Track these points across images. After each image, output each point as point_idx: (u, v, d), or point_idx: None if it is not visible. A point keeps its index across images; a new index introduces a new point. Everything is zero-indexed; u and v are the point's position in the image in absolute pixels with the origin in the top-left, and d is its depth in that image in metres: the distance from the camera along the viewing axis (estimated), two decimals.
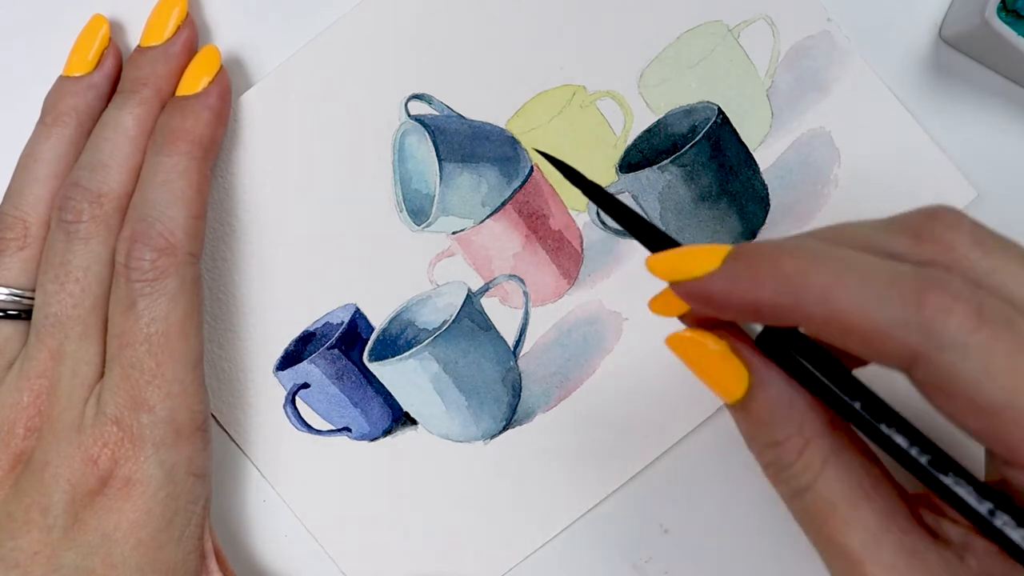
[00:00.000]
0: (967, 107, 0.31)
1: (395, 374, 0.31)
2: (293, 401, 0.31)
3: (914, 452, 0.20)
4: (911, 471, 0.20)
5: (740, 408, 0.21)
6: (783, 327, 0.20)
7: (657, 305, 0.22)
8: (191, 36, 0.30)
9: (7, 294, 0.28)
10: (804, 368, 0.21)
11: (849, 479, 0.20)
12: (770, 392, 0.21)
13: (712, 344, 0.21)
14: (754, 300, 0.20)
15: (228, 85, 0.29)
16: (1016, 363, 0.18)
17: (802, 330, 0.21)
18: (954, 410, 0.19)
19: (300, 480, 0.31)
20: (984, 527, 0.19)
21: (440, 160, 0.30)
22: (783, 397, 0.21)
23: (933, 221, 0.20)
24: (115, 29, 0.31)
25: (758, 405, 0.21)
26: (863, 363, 0.22)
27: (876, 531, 0.20)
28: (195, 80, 0.29)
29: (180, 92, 0.29)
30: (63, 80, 0.29)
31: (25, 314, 0.28)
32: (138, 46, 0.30)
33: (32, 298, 0.28)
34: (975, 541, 0.20)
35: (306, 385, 0.31)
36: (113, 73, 0.30)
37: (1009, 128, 0.31)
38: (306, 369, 0.31)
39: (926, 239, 0.20)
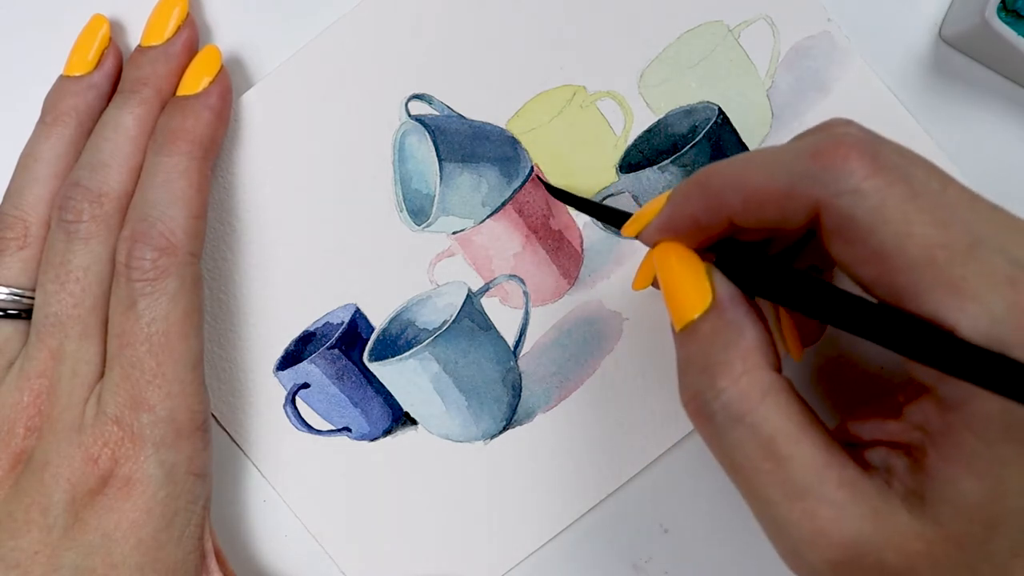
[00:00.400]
0: (967, 107, 0.31)
1: (395, 374, 0.31)
2: (293, 401, 0.31)
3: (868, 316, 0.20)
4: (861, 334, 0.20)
5: (690, 330, 0.22)
6: (722, 237, 0.23)
7: (637, 282, 0.25)
8: (191, 36, 0.30)
9: (7, 294, 0.28)
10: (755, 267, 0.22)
11: (788, 415, 0.21)
12: (725, 315, 0.22)
13: (687, 255, 0.23)
14: (690, 213, 0.22)
15: (229, 85, 0.30)
16: (907, 211, 0.19)
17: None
18: (852, 258, 0.20)
19: (300, 480, 0.31)
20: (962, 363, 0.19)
21: (440, 160, 0.30)
22: (735, 324, 0.22)
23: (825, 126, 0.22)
24: (115, 29, 0.31)
25: (709, 326, 0.22)
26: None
27: (818, 466, 0.20)
28: (196, 80, 0.29)
29: (181, 92, 0.29)
30: (63, 80, 0.29)
31: (25, 314, 0.28)
32: (138, 46, 0.30)
33: (32, 298, 0.28)
34: (896, 461, 0.21)
35: (306, 385, 0.31)
36: (113, 73, 0.30)
37: (1008, 128, 0.31)
38: (306, 369, 0.31)
39: (821, 130, 0.22)
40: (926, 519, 0.20)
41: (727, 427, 0.21)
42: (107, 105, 0.29)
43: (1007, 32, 0.28)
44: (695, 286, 0.22)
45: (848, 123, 0.22)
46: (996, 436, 0.19)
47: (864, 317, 0.20)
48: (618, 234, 0.31)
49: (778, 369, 0.22)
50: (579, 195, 0.29)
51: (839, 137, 0.20)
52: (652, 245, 0.24)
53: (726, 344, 0.21)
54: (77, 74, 0.29)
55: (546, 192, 0.31)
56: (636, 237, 0.24)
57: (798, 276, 0.21)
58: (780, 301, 0.22)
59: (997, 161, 0.31)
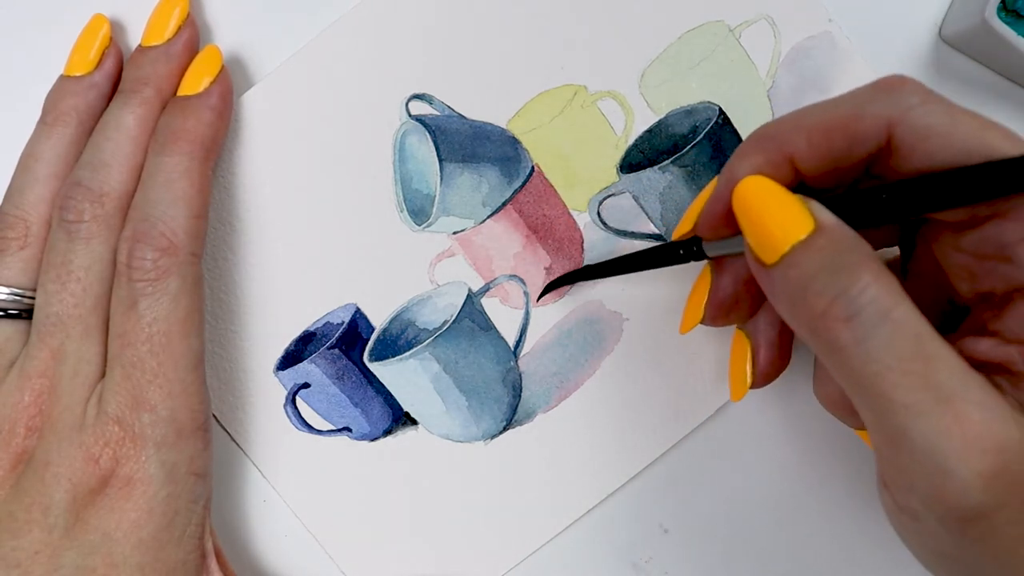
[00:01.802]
0: (967, 107, 0.31)
1: (395, 374, 0.31)
2: (293, 401, 0.31)
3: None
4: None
5: (802, 249, 0.21)
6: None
7: (686, 324, 0.27)
8: (192, 36, 0.30)
9: (8, 293, 0.28)
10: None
11: (923, 316, 0.20)
12: (838, 230, 0.21)
13: (776, 186, 0.22)
14: (752, 168, 0.23)
15: (230, 85, 0.29)
16: (977, 118, 0.21)
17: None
18: (932, 165, 0.21)
19: (300, 480, 0.31)
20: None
21: (441, 160, 0.30)
22: (852, 237, 0.21)
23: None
24: (116, 29, 0.31)
25: (824, 240, 0.21)
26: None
27: (962, 367, 0.19)
28: (196, 80, 0.29)
29: (182, 92, 0.29)
30: (64, 80, 0.29)
31: (26, 313, 0.28)
32: (139, 46, 0.30)
33: (33, 297, 0.28)
34: (999, 380, 0.21)
35: (306, 385, 0.31)
36: (114, 73, 0.30)
37: (1008, 128, 0.31)
38: (306, 369, 0.31)
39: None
40: None
41: (875, 325, 0.20)
42: (108, 105, 0.29)
43: (1007, 32, 0.28)
44: (795, 210, 0.21)
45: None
46: None
47: (972, 178, 0.20)
48: (619, 232, 0.31)
49: None
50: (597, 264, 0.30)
51: (894, 75, 0.22)
52: (712, 222, 0.24)
53: (852, 248, 0.21)
54: (78, 74, 0.29)
55: (547, 192, 0.31)
56: (693, 231, 0.25)
57: (886, 188, 0.22)
58: (881, 220, 0.22)
59: None
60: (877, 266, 0.20)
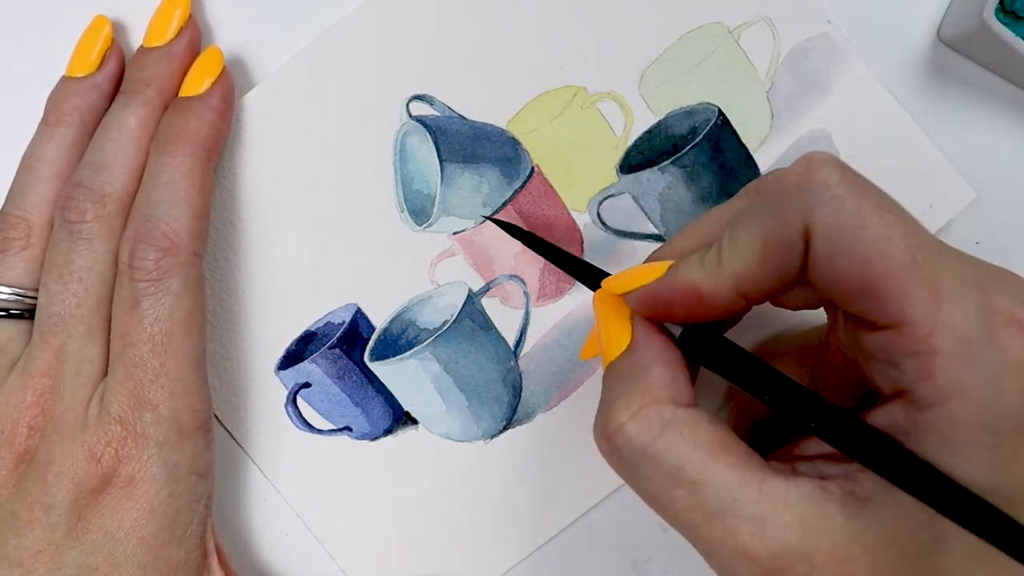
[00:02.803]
0: (965, 108, 0.31)
1: (396, 374, 0.31)
2: (294, 400, 0.31)
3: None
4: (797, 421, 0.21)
5: (608, 370, 0.23)
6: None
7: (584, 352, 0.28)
8: (194, 36, 0.30)
9: (10, 293, 0.28)
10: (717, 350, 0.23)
11: (694, 443, 0.21)
12: (635, 355, 0.23)
13: (616, 304, 0.24)
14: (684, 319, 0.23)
15: (231, 86, 0.30)
16: (883, 214, 0.20)
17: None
18: (837, 273, 0.20)
19: (301, 479, 0.31)
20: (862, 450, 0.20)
21: (441, 161, 0.30)
22: (642, 363, 0.22)
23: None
24: (117, 29, 0.31)
25: (622, 365, 0.23)
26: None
27: (731, 485, 0.20)
28: (198, 81, 0.29)
29: (183, 93, 0.29)
30: (66, 80, 0.29)
31: (28, 313, 0.28)
32: (141, 47, 0.30)
33: (35, 297, 0.28)
34: (831, 468, 0.21)
35: (307, 384, 0.31)
36: (116, 73, 0.30)
37: (1007, 129, 0.31)
38: (307, 369, 0.31)
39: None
40: (866, 522, 0.20)
41: (634, 460, 0.21)
42: (109, 106, 0.29)
43: (1005, 33, 0.28)
44: (618, 328, 0.23)
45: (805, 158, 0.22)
46: (963, 440, 0.19)
47: (795, 397, 0.21)
48: (619, 232, 0.31)
49: (690, 404, 0.22)
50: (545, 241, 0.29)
51: (805, 160, 0.21)
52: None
53: (631, 380, 0.22)
54: (80, 75, 0.29)
55: (546, 192, 0.31)
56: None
57: (738, 352, 0.22)
58: (724, 374, 0.23)
59: (995, 161, 0.31)
60: (643, 399, 0.22)
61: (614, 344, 0.23)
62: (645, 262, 0.24)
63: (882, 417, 0.21)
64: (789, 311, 0.24)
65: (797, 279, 0.21)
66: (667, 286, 0.22)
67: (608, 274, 0.25)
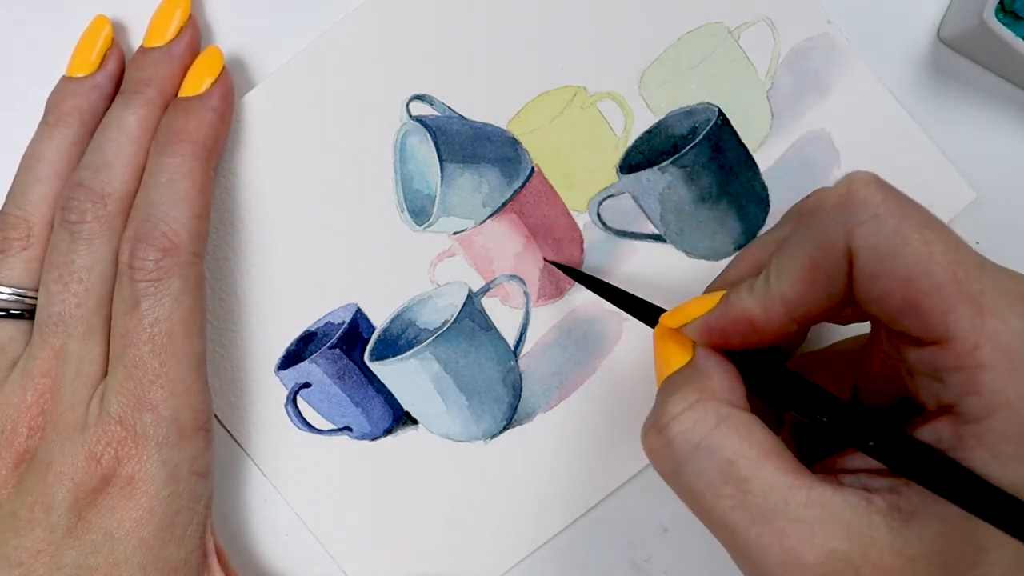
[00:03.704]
0: (965, 108, 0.31)
1: (396, 374, 0.31)
2: (294, 400, 0.31)
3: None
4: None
5: (666, 381, 0.24)
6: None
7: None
8: (194, 37, 0.30)
9: (10, 293, 0.28)
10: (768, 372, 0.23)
11: (748, 441, 0.21)
12: (695, 363, 0.23)
13: (676, 337, 0.24)
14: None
15: (231, 86, 0.30)
16: (924, 231, 0.20)
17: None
18: (879, 291, 0.20)
19: (301, 479, 0.31)
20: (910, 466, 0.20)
21: (441, 161, 0.30)
22: (701, 368, 0.23)
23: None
24: (117, 29, 0.31)
25: (680, 373, 0.23)
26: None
27: (782, 487, 0.20)
28: (198, 81, 0.29)
29: (183, 93, 0.29)
30: (66, 81, 0.29)
31: (28, 313, 0.28)
32: (141, 47, 0.30)
33: (35, 297, 0.28)
34: (876, 481, 0.21)
35: (307, 384, 0.31)
36: (116, 73, 0.30)
37: (1007, 129, 0.31)
38: (307, 368, 0.31)
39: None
40: (910, 534, 0.20)
41: (686, 454, 0.21)
42: (110, 106, 0.29)
43: (1005, 33, 0.28)
44: (680, 352, 0.24)
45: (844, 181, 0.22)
46: (1011, 453, 0.19)
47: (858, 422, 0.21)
48: (619, 232, 0.31)
49: (746, 408, 0.22)
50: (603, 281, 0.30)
51: (846, 181, 0.21)
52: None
53: (687, 380, 0.22)
54: (80, 75, 0.29)
55: (547, 192, 0.31)
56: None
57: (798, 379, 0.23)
58: (779, 401, 0.23)
59: (995, 161, 0.31)
60: (699, 394, 0.22)
61: (674, 366, 0.24)
62: (702, 294, 0.25)
63: (928, 433, 0.21)
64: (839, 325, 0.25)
65: (846, 299, 0.21)
66: (721, 316, 0.23)
67: (664, 310, 0.25)
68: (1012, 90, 0.31)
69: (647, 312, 0.26)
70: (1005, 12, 0.28)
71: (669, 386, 0.23)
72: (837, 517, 0.20)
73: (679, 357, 0.24)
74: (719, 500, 0.21)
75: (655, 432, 0.22)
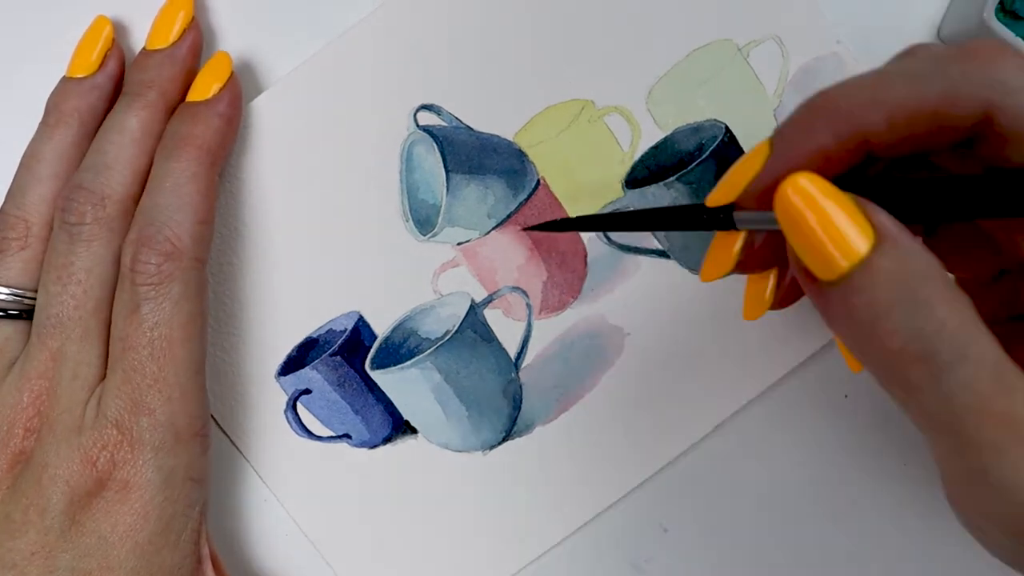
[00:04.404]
0: None
1: (396, 383, 0.31)
2: (294, 407, 0.31)
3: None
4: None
5: (865, 271, 0.18)
6: (852, 167, 0.20)
7: (705, 271, 0.23)
8: (197, 39, 0.30)
9: (8, 294, 0.28)
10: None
11: (998, 342, 0.18)
12: (905, 246, 0.18)
13: (827, 187, 0.19)
14: (816, 146, 0.20)
15: (239, 92, 0.29)
16: None
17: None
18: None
19: (299, 486, 0.31)
20: None
21: (447, 171, 0.30)
22: (922, 254, 0.19)
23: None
24: (118, 30, 0.31)
25: (891, 261, 0.18)
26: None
27: (1002, 356, 0.18)
28: (206, 86, 0.29)
29: (191, 98, 0.29)
30: (66, 81, 0.29)
31: (26, 314, 0.28)
32: (143, 48, 0.30)
33: (33, 298, 0.28)
34: None
35: (307, 391, 0.31)
36: (116, 74, 0.30)
37: None
38: (308, 375, 0.31)
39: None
40: None
41: (954, 364, 0.18)
42: (110, 106, 0.29)
43: (1006, 33, 0.28)
44: (854, 220, 0.19)
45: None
46: None
47: None
48: (622, 247, 0.31)
49: None
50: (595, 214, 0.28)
51: (984, 41, 0.20)
52: (756, 200, 0.21)
53: (925, 275, 0.18)
54: (80, 75, 0.29)
55: (552, 205, 0.31)
56: (738, 203, 0.22)
57: (957, 180, 0.20)
58: (950, 217, 0.20)
59: None
60: (951, 294, 0.18)
61: (855, 241, 0.18)
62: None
63: None
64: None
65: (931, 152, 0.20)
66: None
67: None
68: None
69: (701, 214, 0.22)
70: (1005, 12, 0.28)
71: (890, 280, 0.18)
72: None
73: (852, 225, 0.19)
74: (983, 417, 0.18)
75: (918, 344, 0.18)
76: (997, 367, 0.18)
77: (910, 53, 0.21)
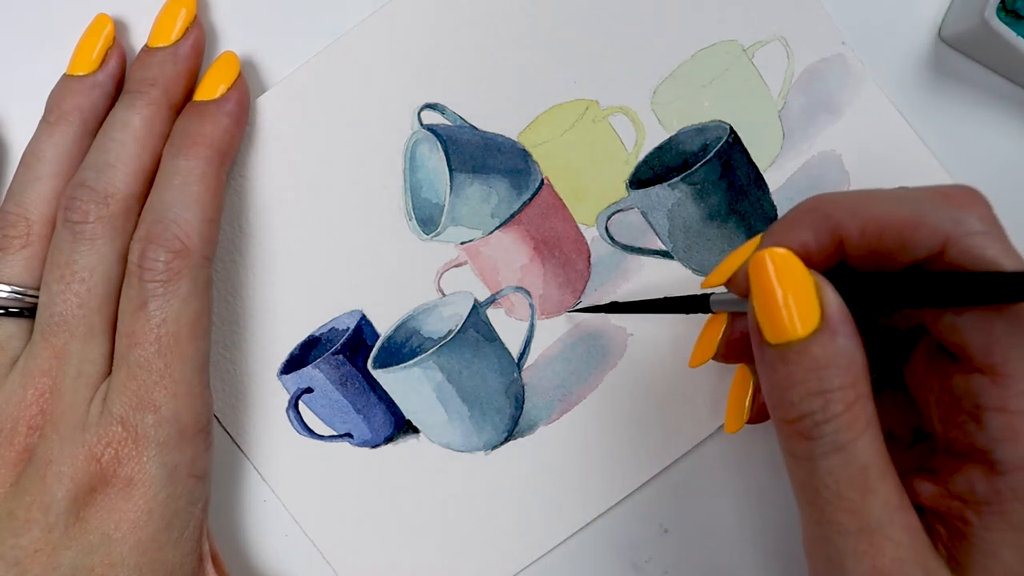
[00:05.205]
0: (966, 107, 0.31)
1: (399, 382, 0.31)
2: (296, 405, 0.31)
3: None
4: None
5: (799, 350, 0.21)
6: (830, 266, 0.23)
7: (696, 359, 0.27)
8: (199, 37, 0.30)
9: (9, 292, 0.27)
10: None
11: (880, 449, 0.21)
12: (839, 340, 0.21)
13: (795, 264, 0.21)
14: (800, 240, 0.22)
15: (247, 92, 0.29)
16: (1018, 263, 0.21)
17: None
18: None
19: (300, 484, 0.31)
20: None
21: (451, 170, 0.30)
22: (849, 348, 0.21)
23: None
24: (118, 28, 0.30)
25: (822, 349, 0.21)
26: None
27: (894, 506, 0.21)
28: (214, 86, 0.29)
29: (198, 97, 0.29)
30: (67, 79, 0.29)
31: (28, 312, 0.28)
32: (145, 46, 0.30)
33: (34, 296, 0.27)
34: (939, 528, 0.21)
35: (309, 390, 0.31)
36: (117, 72, 0.30)
37: (1009, 128, 0.31)
38: (310, 374, 0.31)
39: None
40: None
41: (827, 453, 0.21)
42: (110, 104, 0.29)
43: (1006, 32, 0.28)
44: (805, 301, 0.21)
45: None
46: None
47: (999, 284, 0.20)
48: (626, 247, 0.31)
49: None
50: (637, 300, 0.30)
51: (962, 187, 0.22)
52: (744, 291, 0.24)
53: (840, 369, 0.21)
54: (81, 73, 0.29)
55: (555, 205, 0.31)
56: (726, 285, 0.25)
57: (925, 273, 0.22)
58: (917, 303, 0.22)
59: (996, 160, 0.31)
60: (854, 394, 0.21)
61: (801, 319, 0.21)
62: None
63: (961, 482, 0.21)
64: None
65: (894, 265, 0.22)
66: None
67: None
68: (1013, 89, 0.31)
69: (702, 301, 0.26)
70: (1006, 11, 0.28)
71: (811, 364, 0.21)
72: (922, 552, 0.20)
73: (802, 304, 0.21)
74: (838, 501, 0.21)
75: (804, 425, 0.21)
76: (866, 467, 0.20)
77: (903, 187, 0.24)
